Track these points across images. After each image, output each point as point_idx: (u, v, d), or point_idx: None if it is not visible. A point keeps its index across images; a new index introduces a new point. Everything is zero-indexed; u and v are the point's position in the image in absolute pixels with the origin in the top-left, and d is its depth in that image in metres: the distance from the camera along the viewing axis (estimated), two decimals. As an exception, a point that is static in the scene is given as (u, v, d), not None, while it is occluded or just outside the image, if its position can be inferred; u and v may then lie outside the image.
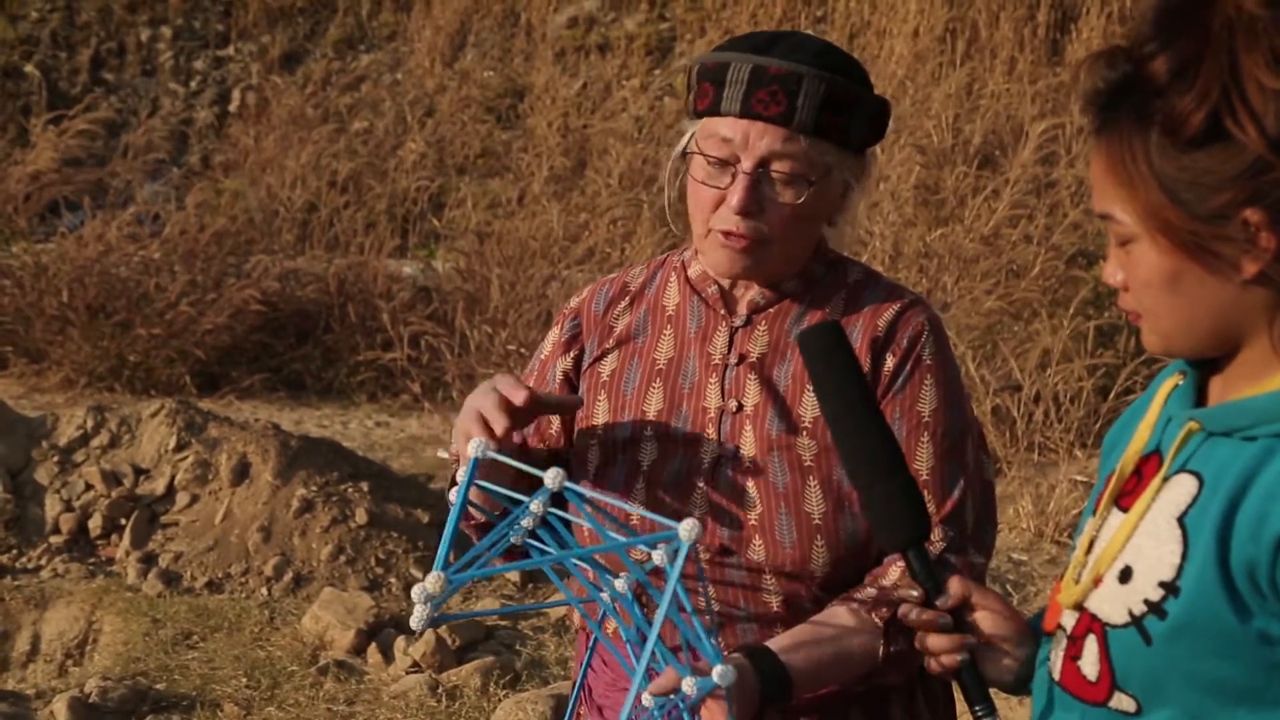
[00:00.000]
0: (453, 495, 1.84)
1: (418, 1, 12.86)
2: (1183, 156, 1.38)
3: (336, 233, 10.06)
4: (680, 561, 1.66)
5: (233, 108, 12.67)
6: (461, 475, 1.83)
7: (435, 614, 1.70)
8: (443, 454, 1.93)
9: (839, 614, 1.93)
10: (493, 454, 1.83)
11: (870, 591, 1.94)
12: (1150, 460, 1.51)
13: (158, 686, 4.86)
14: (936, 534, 1.95)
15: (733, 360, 2.02)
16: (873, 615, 1.91)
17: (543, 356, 2.16)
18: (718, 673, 1.65)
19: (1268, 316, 1.42)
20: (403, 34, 12.82)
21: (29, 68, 12.66)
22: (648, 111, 10.96)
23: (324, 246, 9.97)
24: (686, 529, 1.67)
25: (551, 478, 1.78)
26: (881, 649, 1.91)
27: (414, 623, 1.68)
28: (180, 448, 6.08)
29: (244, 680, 4.91)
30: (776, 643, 1.88)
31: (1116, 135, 1.42)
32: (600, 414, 2.07)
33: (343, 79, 12.42)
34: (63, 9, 13.14)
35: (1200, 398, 1.52)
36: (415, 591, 1.66)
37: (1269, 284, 1.40)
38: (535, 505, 1.79)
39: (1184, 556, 1.41)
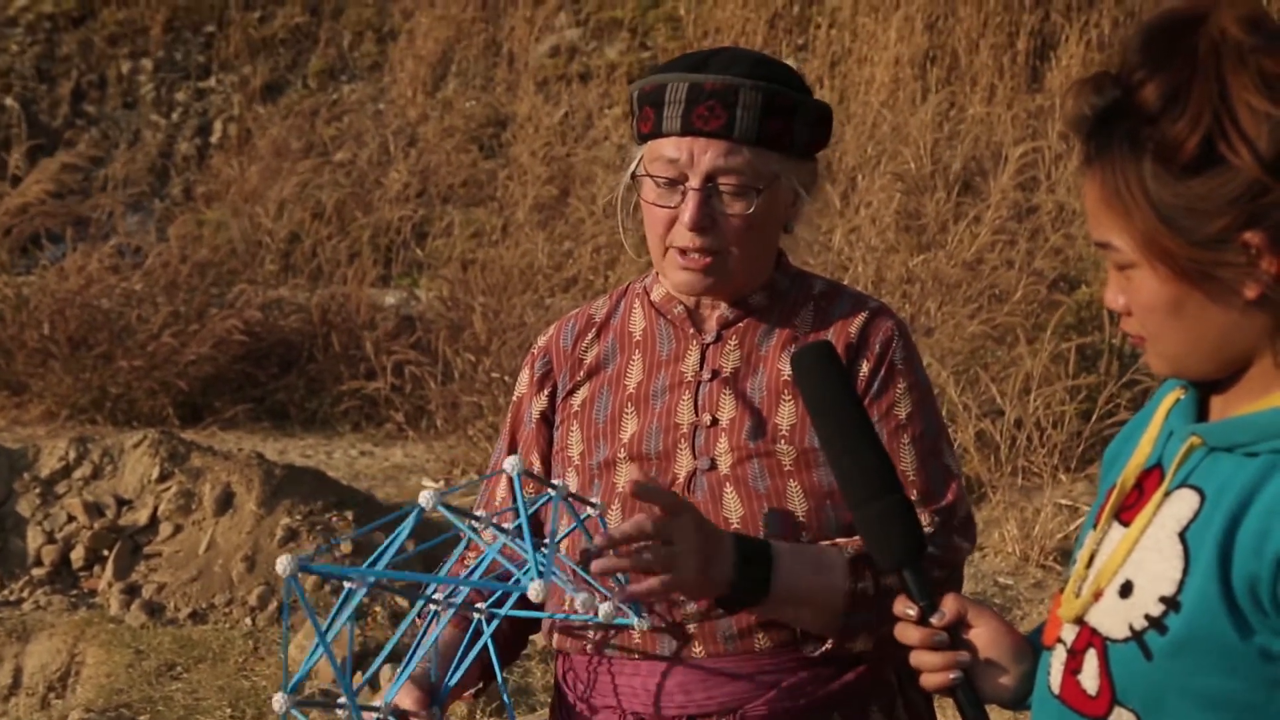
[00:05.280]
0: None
1: (400, 32, 12.89)
2: (1178, 183, 1.38)
3: (319, 263, 10.04)
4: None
5: (214, 139, 12.65)
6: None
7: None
8: (427, 483, 1.94)
9: (828, 548, 1.96)
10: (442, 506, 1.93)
11: (855, 543, 1.95)
12: (1151, 474, 1.51)
13: (141, 718, 4.83)
14: (924, 519, 1.97)
15: (705, 376, 2.04)
16: (843, 551, 1.94)
17: (516, 399, 2.19)
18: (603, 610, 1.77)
19: (1270, 336, 1.43)
20: (385, 64, 12.83)
21: (9, 100, 12.63)
22: (630, 139, 10.97)
23: (307, 276, 9.95)
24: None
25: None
26: (847, 584, 1.92)
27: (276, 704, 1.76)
28: (163, 478, 6.05)
29: (229, 710, 4.88)
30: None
31: (1109, 164, 1.42)
32: (574, 444, 2.09)
33: (325, 110, 12.42)
34: (43, 41, 13.13)
35: (1202, 412, 1.52)
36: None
37: (1271, 305, 1.41)
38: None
39: (1185, 572, 1.41)
